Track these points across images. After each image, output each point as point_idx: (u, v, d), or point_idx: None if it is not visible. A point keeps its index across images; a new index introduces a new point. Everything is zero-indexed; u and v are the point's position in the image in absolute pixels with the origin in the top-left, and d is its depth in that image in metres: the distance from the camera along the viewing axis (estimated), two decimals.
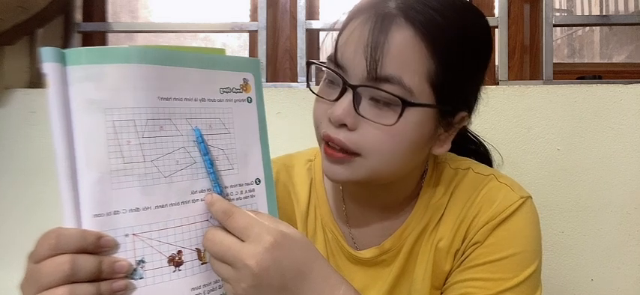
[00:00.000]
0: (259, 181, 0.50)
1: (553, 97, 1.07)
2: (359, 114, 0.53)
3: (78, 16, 1.27)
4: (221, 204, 0.45)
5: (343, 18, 0.58)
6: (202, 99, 0.46)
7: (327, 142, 0.55)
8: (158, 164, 0.43)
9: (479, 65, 0.59)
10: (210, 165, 0.45)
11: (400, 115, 0.52)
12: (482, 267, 0.58)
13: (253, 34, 1.30)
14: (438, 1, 0.53)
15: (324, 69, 0.58)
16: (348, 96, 0.53)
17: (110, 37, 1.40)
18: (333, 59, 0.55)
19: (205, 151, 0.45)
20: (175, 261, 0.44)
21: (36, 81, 1.23)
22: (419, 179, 0.64)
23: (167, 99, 0.43)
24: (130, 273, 0.42)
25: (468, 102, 0.59)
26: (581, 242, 1.07)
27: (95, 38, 1.34)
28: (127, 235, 0.41)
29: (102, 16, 1.35)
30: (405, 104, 0.52)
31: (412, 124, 0.53)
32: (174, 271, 0.44)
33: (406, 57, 0.52)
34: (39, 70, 1.23)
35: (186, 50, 0.45)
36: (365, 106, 0.53)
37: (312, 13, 1.28)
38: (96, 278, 0.40)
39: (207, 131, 0.46)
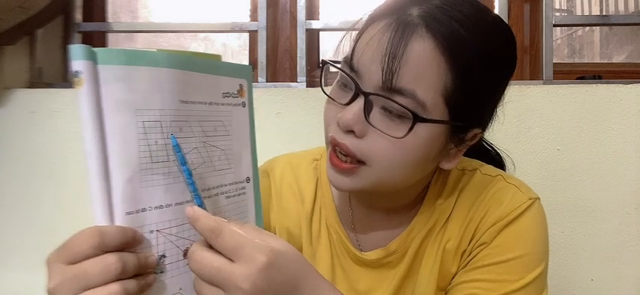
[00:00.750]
0: (249, 179, 0.53)
1: (553, 97, 1.07)
2: (368, 123, 0.52)
3: (78, 16, 1.27)
4: (207, 221, 0.42)
5: (364, 18, 0.57)
6: (210, 103, 0.48)
7: (333, 148, 0.55)
8: (178, 163, 0.45)
9: (499, 83, 0.57)
10: (189, 176, 0.45)
11: (410, 129, 0.51)
12: (489, 268, 0.57)
13: (253, 34, 1.30)
14: (463, 13, 0.51)
15: (336, 70, 0.57)
16: (359, 103, 0.52)
17: (110, 37, 1.40)
18: (349, 62, 0.54)
19: (183, 161, 0.44)
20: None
21: (36, 81, 1.23)
22: (426, 184, 0.64)
23: (186, 102, 0.45)
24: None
25: (482, 119, 0.58)
26: (581, 242, 1.07)
27: (95, 38, 1.34)
28: (152, 232, 0.43)
29: (102, 16, 1.35)
30: (416, 119, 0.51)
31: (422, 139, 0.52)
32: (187, 263, 0.45)
33: (423, 70, 0.50)
34: (39, 70, 1.23)
35: (194, 56, 0.47)
36: (376, 115, 0.52)
37: (312, 13, 1.28)
38: (138, 272, 0.41)
39: (213, 133, 0.48)
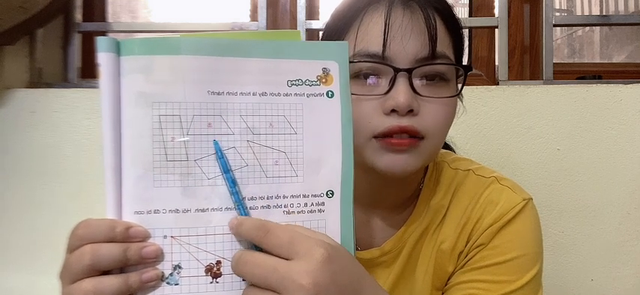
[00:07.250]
0: (332, 194, 0.43)
1: (553, 97, 1.07)
2: (419, 95, 0.54)
3: (78, 16, 1.27)
4: (252, 221, 0.39)
5: (344, 16, 0.57)
6: (263, 94, 0.41)
7: (391, 135, 0.53)
8: (202, 164, 0.40)
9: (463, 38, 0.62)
10: (233, 185, 0.40)
11: (464, 82, 0.57)
12: (486, 269, 0.58)
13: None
14: None
15: (367, 62, 0.54)
16: (404, 82, 0.53)
17: None
18: (379, 54, 0.54)
19: (226, 168, 0.40)
20: (213, 272, 0.41)
21: (36, 81, 1.23)
22: (421, 177, 0.64)
23: (219, 93, 0.40)
24: (165, 277, 0.40)
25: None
26: (581, 242, 1.07)
27: (95, 38, 1.34)
28: (165, 237, 0.40)
29: (102, 16, 1.35)
30: (466, 70, 0.58)
31: (455, 95, 0.57)
32: (211, 282, 0.41)
33: (441, 34, 0.55)
34: (39, 70, 1.23)
35: (251, 36, 0.42)
36: (419, 87, 0.54)
37: (312, 13, 1.29)
38: (123, 265, 0.39)
39: (266, 130, 0.42)
